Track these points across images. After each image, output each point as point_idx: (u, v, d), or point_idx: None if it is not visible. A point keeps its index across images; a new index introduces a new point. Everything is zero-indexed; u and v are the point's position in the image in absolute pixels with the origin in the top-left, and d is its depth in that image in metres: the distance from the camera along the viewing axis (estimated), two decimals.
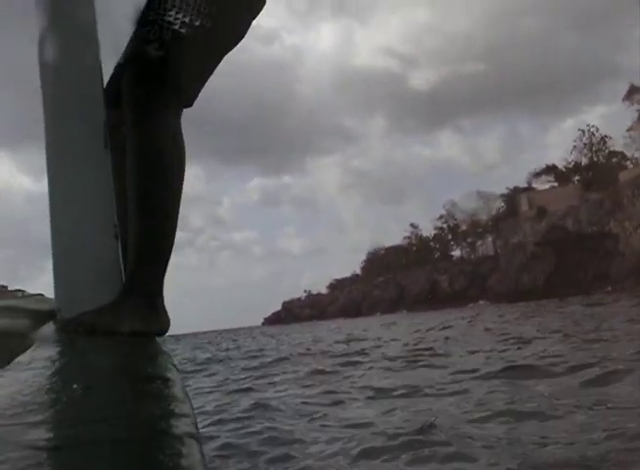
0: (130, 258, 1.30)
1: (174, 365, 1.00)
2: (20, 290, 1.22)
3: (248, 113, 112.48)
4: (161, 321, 1.32)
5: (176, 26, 1.29)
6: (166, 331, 1.34)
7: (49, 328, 1.22)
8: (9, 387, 0.76)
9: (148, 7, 1.31)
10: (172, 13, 1.29)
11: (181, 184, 1.35)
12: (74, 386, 0.75)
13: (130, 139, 1.32)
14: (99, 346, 1.12)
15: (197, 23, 1.31)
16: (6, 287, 1.21)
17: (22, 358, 0.93)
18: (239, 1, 1.40)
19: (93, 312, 1.21)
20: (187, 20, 1.30)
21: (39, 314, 1.18)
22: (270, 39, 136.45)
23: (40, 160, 1.47)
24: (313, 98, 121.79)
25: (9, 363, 0.90)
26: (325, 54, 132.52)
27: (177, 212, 1.35)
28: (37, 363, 0.89)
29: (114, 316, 1.21)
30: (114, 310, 1.23)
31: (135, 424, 0.63)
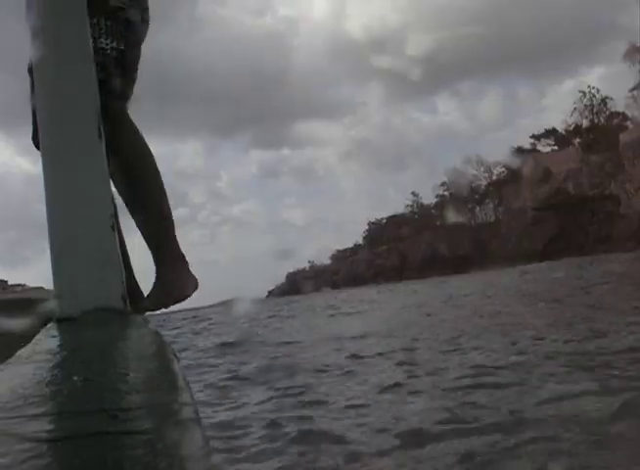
0: (147, 240, 1.63)
1: (175, 355, 1.01)
2: (20, 284, 1.25)
3: (243, 85, 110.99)
4: (194, 282, 1.68)
5: (108, 51, 1.53)
6: (197, 288, 1.70)
7: (49, 321, 1.24)
8: (10, 380, 0.78)
9: None
10: (102, 39, 1.52)
11: (157, 166, 1.70)
12: (75, 378, 0.76)
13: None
14: (98, 337, 1.13)
15: (121, 47, 1.58)
16: (6, 282, 1.24)
17: (22, 352, 0.95)
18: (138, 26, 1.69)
19: (155, 292, 1.54)
20: (114, 44, 1.55)
21: (39, 308, 1.21)
22: (262, 12, 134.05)
23: None
24: (309, 68, 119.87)
25: (10, 357, 0.92)
26: (319, 23, 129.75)
27: (165, 191, 1.71)
28: (38, 356, 0.91)
29: (171, 289, 1.57)
30: (167, 284, 1.56)
31: (136, 415, 0.64)
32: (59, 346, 1.06)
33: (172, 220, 1.72)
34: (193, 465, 0.54)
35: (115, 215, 1.45)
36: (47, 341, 1.06)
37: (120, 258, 1.34)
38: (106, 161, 1.33)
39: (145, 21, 1.74)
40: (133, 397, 0.72)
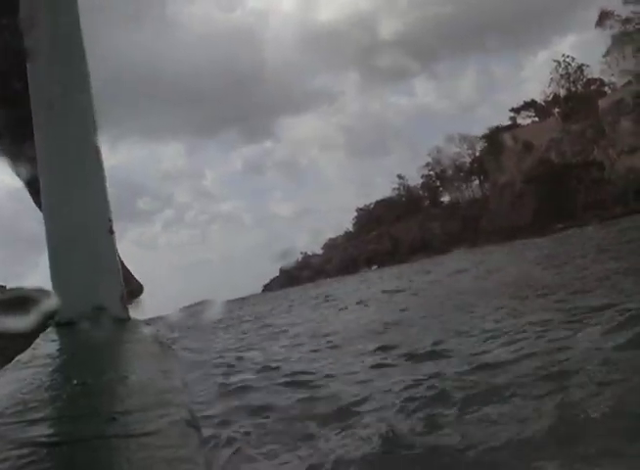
0: None
1: (173, 355, 1.00)
2: (18, 288, 1.24)
3: (220, 82, 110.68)
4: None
5: None
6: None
7: (48, 325, 1.22)
8: (9, 385, 0.77)
9: None
10: None
11: None
12: (74, 382, 0.75)
13: None
14: (98, 341, 1.13)
15: None
16: (4, 287, 1.22)
17: (22, 357, 0.94)
18: None
19: None
20: None
21: (38, 312, 1.20)
22: (231, 6, 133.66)
23: None
24: (284, 60, 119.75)
25: (9, 362, 0.90)
26: (289, 14, 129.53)
27: None
28: (37, 361, 0.90)
29: None
30: None
31: (134, 418, 0.64)
32: (58, 350, 1.05)
33: None
34: (190, 467, 0.54)
35: None
36: (46, 345, 1.05)
37: (119, 261, 1.33)
38: (103, 163, 1.32)
39: None
40: (132, 399, 0.72)
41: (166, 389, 0.76)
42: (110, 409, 0.66)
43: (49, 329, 1.20)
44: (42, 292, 1.17)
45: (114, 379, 0.82)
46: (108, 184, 1.34)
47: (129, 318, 1.33)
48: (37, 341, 1.08)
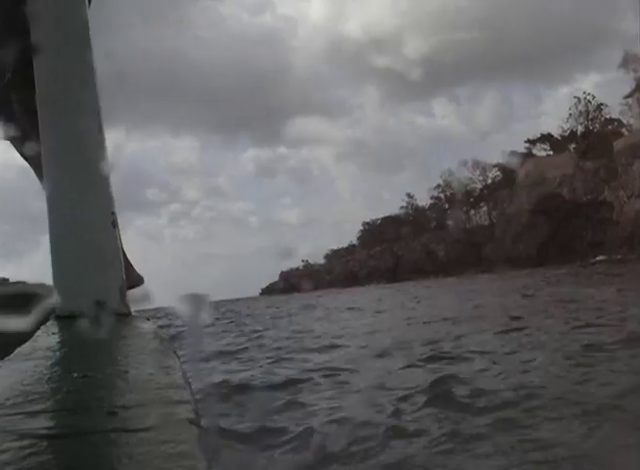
0: None
1: (174, 351, 1.01)
2: (20, 282, 1.25)
3: (240, 83, 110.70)
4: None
5: None
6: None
7: (49, 318, 1.24)
8: (9, 377, 0.78)
9: None
10: None
11: None
12: (74, 375, 0.77)
13: None
14: (98, 334, 1.13)
15: None
16: (7, 279, 1.24)
17: (22, 349, 0.95)
18: None
19: None
20: None
21: (40, 305, 1.21)
22: (261, 9, 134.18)
23: None
24: (306, 68, 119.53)
25: (9, 354, 0.92)
26: (317, 24, 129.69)
27: None
28: (37, 353, 0.91)
29: None
30: None
31: (135, 412, 0.65)
32: (59, 343, 1.06)
33: None
34: (191, 463, 0.54)
35: None
36: (47, 338, 1.06)
37: (122, 254, 1.34)
38: (107, 155, 1.33)
39: None
40: (133, 394, 0.73)
41: (167, 384, 0.77)
42: (110, 403, 0.67)
43: (50, 322, 1.21)
44: (44, 287, 1.19)
45: (115, 373, 0.83)
46: (112, 178, 1.35)
47: (130, 313, 1.34)
48: (38, 333, 1.09)
